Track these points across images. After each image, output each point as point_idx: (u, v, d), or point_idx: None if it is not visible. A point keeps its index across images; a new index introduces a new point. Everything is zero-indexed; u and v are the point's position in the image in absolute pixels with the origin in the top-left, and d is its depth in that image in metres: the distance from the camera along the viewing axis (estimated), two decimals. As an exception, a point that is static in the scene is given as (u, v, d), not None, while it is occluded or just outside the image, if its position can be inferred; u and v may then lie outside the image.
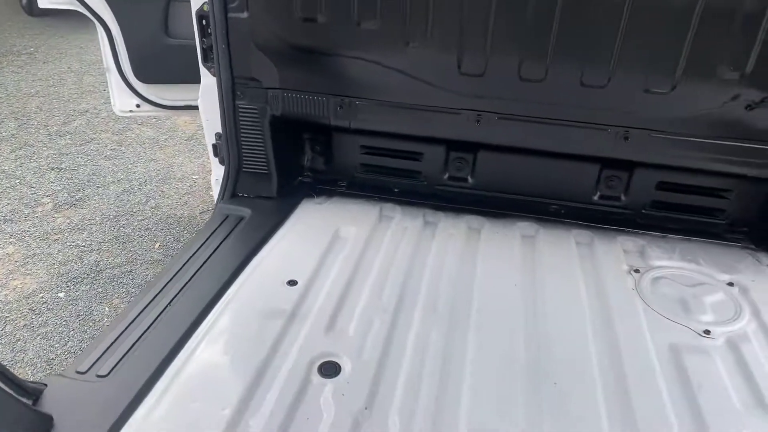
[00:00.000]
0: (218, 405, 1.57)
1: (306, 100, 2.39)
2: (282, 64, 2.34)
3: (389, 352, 1.79)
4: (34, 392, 1.52)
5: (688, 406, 1.64)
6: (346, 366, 1.73)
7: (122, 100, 3.60)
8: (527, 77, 2.14)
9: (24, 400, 1.45)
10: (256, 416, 1.54)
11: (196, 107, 3.27)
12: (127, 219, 4.00)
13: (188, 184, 4.50)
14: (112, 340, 1.76)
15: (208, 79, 2.44)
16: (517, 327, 1.92)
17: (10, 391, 1.41)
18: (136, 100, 3.64)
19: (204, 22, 2.31)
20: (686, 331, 1.96)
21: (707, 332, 1.95)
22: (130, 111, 3.71)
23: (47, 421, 1.45)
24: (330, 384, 1.67)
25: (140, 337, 1.78)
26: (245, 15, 2.21)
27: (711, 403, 1.66)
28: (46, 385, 1.57)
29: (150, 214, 4.07)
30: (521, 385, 1.69)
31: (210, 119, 2.54)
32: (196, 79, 2.63)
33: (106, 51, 3.37)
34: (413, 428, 1.53)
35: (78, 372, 1.65)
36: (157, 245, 3.74)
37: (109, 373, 1.65)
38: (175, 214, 4.07)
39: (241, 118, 2.44)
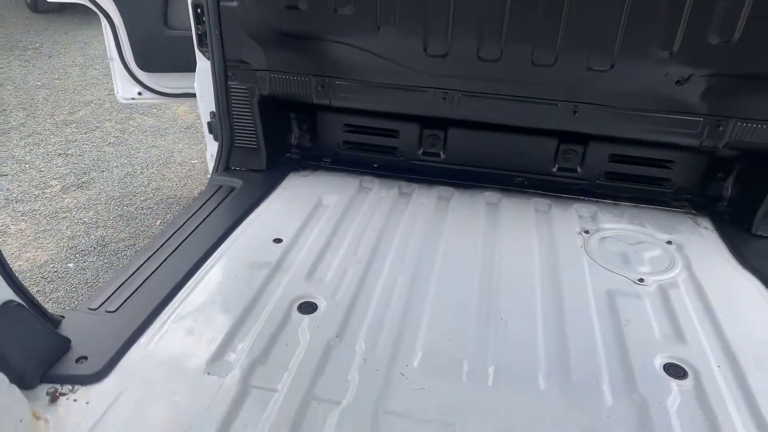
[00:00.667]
0: (209, 336, 1.84)
1: (290, 80, 2.66)
2: (269, 48, 2.60)
3: (360, 294, 2.06)
4: (55, 320, 1.79)
5: (614, 335, 1.91)
6: (322, 305, 2.00)
7: (125, 88, 3.85)
8: (485, 57, 2.41)
9: (48, 324, 1.72)
10: (242, 343, 1.81)
11: (194, 95, 3.56)
12: (131, 199, 4.27)
13: (187, 168, 4.77)
14: (119, 284, 2.03)
15: (203, 63, 2.71)
16: (473, 275, 2.18)
17: (37, 316, 1.69)
18: (138, 88, 3.89)
19: (199, 10, 2.57)
20: (623, 279, 2.22)
21: (641, 280, 2.21)
22: (132, 98, 3.96)
23: (66, 342, 1.72)
24: (307, 318, 1.94)
25: (143, 281, 2.05)
26: (235, 4, 2.47)
27: (635, 334, 1.92)
28: (63, 317, 1.85)
29: (152, 195, 4.34)
30: (472, 319, 1.96)
31: (205, 99, 2.80)
32: (194, 68, 2.90)
33: (110, 41, 3.62)
34: (376, 350, 1.80)
35: (90, 308, 1.92)
36: (158, 222, 4.00)
37: (116, 309, 1.92)
38: (175, 195, 4.34)
39: (232, 98, 2.71)
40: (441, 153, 2.93)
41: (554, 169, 2.84)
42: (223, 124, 2.76)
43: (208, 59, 2.65)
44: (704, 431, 1.58)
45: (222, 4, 2.47)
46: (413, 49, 2.44)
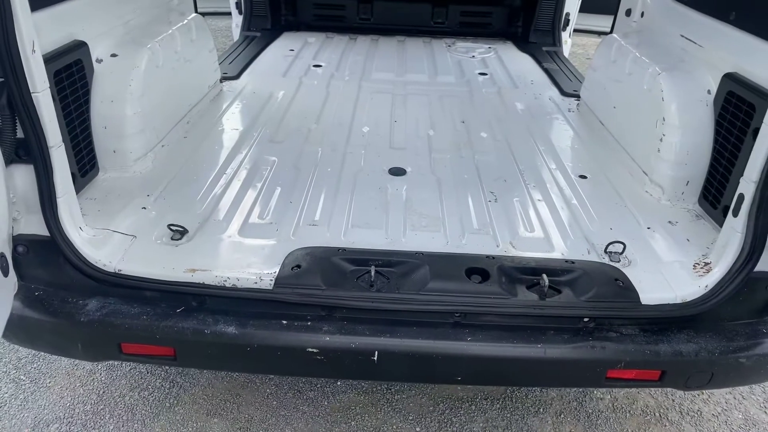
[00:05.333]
0: (276, 70, 3.95)
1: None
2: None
3: (340, 63, 4.25)
4: (205, 64, 3.83)
5: (459, 70, 4.24)
6: (324, 65, 4.17)
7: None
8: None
9: (205, 62, 3.77)
10: (293, 71, 3.95)
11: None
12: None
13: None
14: (229, 53, 4.08)
15: (233, -33, 4.76)
16: (393, 69, 4.37)
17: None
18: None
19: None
20: (465, 58, 4.58)
21: (473, 56, 4.58)
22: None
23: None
24: (319, 69, 4.10)
25: (236, 48, 4.12)
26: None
27: (467, 72, 4.23)
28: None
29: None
30: (393, 78, 4.16)
31: (234, -12, 4.85)
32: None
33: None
34: (353, 76, 4.01)
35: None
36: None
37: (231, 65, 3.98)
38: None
39: (252, -16, 4.79)
40: (371, 18, 5.16)
41: (432, 23, 5.16)
42: (245, 1, 4.82)
43: (235, -37, 4.70)
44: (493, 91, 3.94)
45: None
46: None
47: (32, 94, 1.71)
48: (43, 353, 2.83)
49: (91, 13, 2.36)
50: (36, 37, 1.72)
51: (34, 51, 1.71)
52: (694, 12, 2.68)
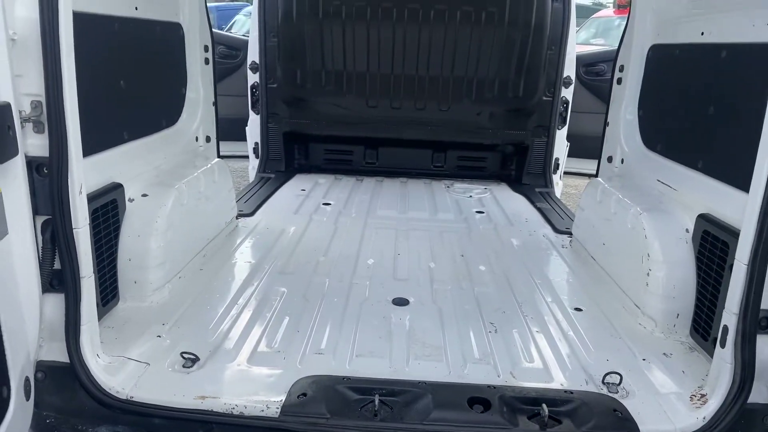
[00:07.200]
0: (291, 208, 4.25)
1: (298, 123, 5.29)
2: (289, 106, 5.26)
3: (348, 201, 4.57)
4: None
5: (457, 208, 4.53)
6: (333, 204, 4.48)
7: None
8: (395, 106, 5.22)
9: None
10: (305, 207, 4.23)
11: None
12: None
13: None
14: (244, 193, 4.40)
15: (253, 116, 5.28)
16: (396, 208, 4.69)
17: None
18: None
19: (254, 90, 5.20)
20: (463, 197, 4.91)
21: (471, 196, 4.91)
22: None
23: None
24: (328, 208, 4.40)
25: (252, 195, 4.43)
26: (275, 85, 5.14)
27: (465, 209, 4.54)
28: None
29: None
30: (396, 220, 4.47)
31: (252, 134, 5.34)
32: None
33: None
34: (357, 215, 4.29)
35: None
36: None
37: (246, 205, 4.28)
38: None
39: (269, 133, 5.28)
40: (376, 162, 5.61)
41: (432, 166, 5.60)
42: (263, 146, 5.30)
43: (257, 114, 5.24)
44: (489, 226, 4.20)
45: (268, 85, 5.14)
46: (360, 104, 5.21)
47: (74, 230, 1.92)
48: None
49: (128, 160, 2.67)
50: (84, 180, 1.97)
51: (81, 192, 1.94)
52: (666, 160, 2.99)
